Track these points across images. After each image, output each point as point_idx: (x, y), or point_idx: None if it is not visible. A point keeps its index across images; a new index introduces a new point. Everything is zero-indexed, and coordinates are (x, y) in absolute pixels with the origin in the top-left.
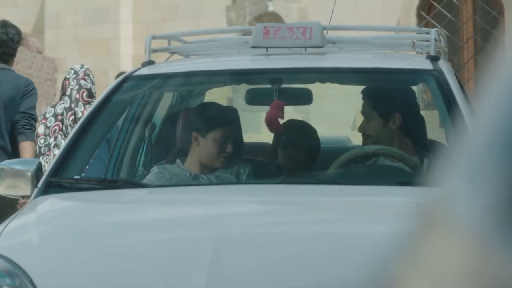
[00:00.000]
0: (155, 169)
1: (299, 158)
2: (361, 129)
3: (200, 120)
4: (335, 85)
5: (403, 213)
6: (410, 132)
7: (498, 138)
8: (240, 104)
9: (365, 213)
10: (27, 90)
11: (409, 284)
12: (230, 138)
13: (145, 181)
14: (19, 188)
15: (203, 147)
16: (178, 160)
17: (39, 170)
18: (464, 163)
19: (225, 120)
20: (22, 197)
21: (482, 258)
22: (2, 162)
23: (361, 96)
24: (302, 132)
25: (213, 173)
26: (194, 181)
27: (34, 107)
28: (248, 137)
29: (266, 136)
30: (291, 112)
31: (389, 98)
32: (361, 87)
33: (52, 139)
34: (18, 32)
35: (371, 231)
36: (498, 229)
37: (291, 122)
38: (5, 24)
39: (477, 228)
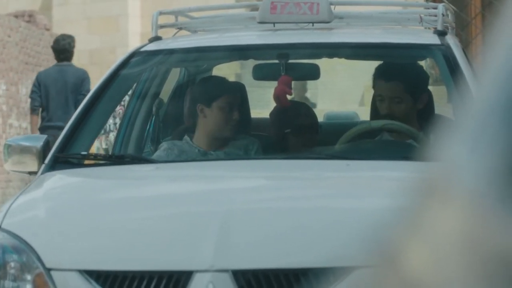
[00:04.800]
0: (164, 145)
1: (304, 141)
2: (390, 111)
3: (204, 91)
4: (343, 60)
5: (409, 187)
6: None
7: (499, 104)
8: (248, 80)
9: (372, 188)
10: (85, 77)
11: (410, 251)
12: (236, 105)
13: (154, 157)
14: (26, 164)
15: (209, 118)
16: (186, 137)
17: (46, 146)
18: (466, 130)
19: (228, 89)
20: (30, 173)
21: (483, 225)
22: (9, 139)
23: (382, 76)
24: (300, 116)
25: (222, 149)
26: (203, 157)
27: (89, 89)
28: (257, 113)
29: None
30: (299, 89)
31: (418, 79)
32: (368, 62)
33: (118, 119)
34: (73, 39)
35: (377, 205)
36: (499, 195)
37: (290, 107)
38: (64, 37)
39: (478, 194)
